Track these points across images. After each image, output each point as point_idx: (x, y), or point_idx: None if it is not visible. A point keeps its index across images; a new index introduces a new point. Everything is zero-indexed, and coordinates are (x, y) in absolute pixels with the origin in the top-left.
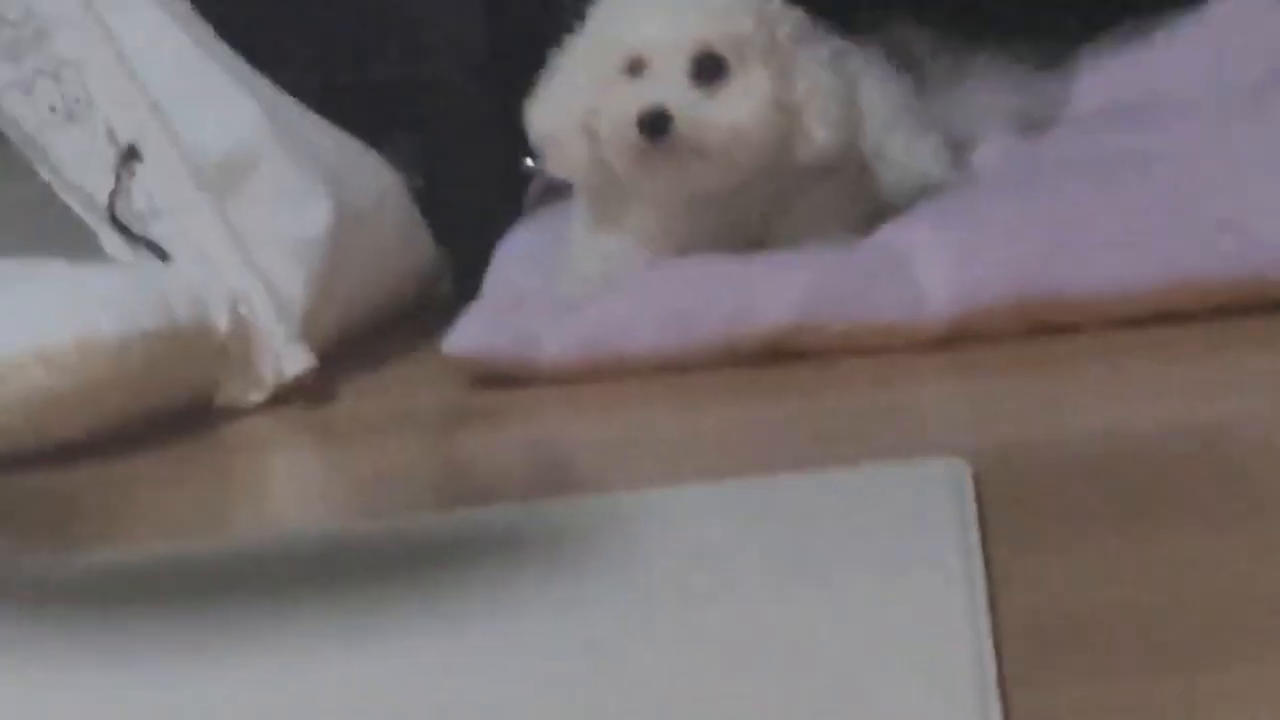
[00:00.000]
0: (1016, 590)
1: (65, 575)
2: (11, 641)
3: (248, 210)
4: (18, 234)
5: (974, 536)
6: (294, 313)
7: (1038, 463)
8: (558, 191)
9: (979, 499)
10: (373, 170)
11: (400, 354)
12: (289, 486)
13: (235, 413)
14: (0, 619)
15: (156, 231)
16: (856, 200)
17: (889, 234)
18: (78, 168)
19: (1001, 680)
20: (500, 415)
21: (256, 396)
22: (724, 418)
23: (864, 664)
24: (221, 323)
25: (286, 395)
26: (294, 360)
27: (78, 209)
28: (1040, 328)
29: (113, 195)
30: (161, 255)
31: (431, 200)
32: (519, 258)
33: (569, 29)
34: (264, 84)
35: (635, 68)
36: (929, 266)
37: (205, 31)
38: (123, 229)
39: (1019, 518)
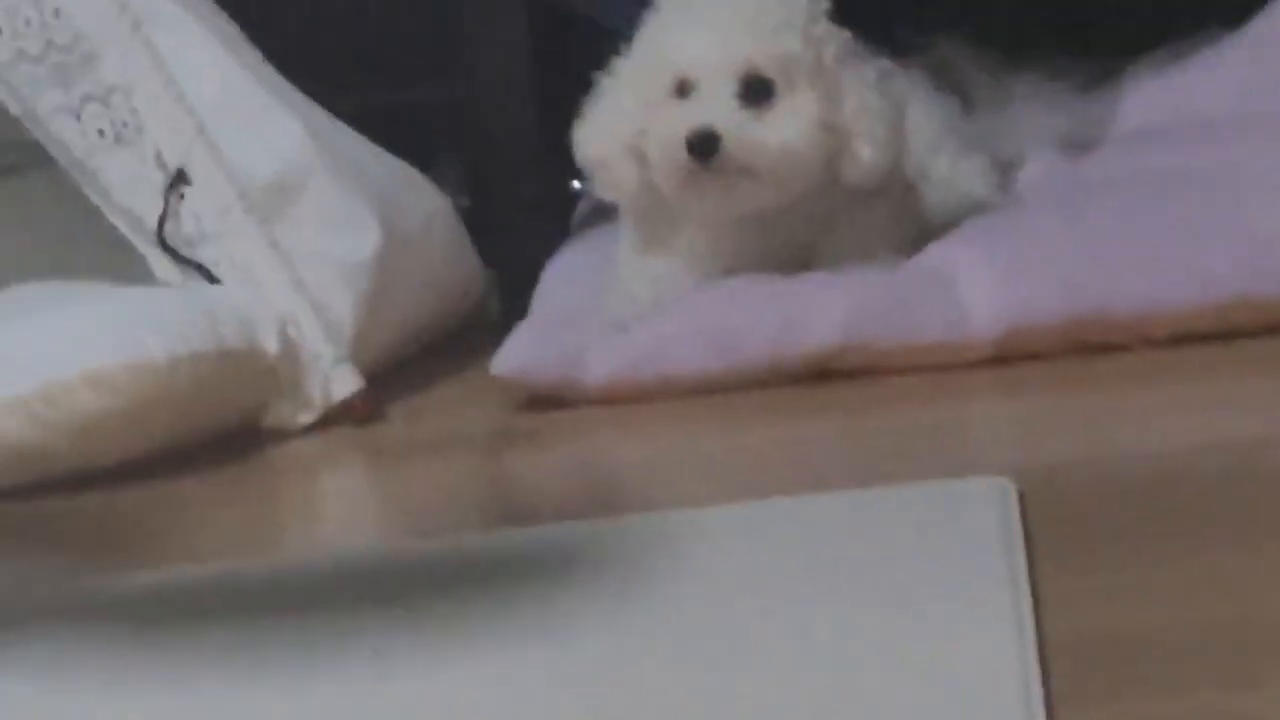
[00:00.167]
0: (1062, 609)
1: (116, 596)
2: (63, 662)
3: (295, 232)
4: (67, 257)
5: (1019, 555)
6: (342, 334)
7: (1083, 481)
8: (604, 212)
9: (1024, 518)
10: (421, 192)
11: (448, 375)
12: (337, 507)
13: (284, 434)
14: (52, 640)
15: (205, 255)
16: (902, 220)
17: (934, 254)
18: (127, 191)
19: (1047, 698)
20: (547, 435)
21: (305, 418)
22: (769, 437)
23: (910, 683)
24: (270, 345)
25: (335, 417)
26: (343, 382)
27: (126, 232)
28: (1084, 347)
29: (162, 219)
30: (210, 278)
31: (479, 221)
32: (566, 278)
33: (616, 51)
34: (311, 106)
35: (683, 89)
36: (973, 286)
37: (253, 54)
38: (172, 252)
39: (1064, 536)
